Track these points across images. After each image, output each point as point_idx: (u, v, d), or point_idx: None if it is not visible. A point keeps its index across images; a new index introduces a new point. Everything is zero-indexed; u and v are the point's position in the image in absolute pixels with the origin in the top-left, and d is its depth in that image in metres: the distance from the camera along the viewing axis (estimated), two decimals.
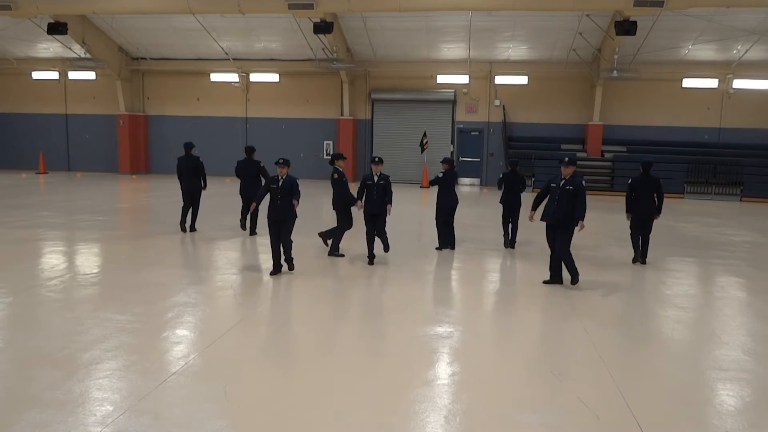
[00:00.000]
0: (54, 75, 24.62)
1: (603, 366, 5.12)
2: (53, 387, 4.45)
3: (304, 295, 7.28)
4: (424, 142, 21.64)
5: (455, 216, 10.27)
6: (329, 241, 9.63)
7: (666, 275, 8.78)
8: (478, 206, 16.92)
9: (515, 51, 21.31)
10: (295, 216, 8.03)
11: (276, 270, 8.01)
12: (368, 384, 4.74)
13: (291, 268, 8.15)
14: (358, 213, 9.27)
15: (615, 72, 19.53)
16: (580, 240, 8.88)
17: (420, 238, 11.59)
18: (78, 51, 22.07)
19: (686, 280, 8.70)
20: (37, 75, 24.75)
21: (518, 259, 9.81)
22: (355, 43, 21.37)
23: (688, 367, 5.28)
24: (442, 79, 22.42)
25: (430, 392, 4.57)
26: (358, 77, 22.88)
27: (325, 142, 23.49)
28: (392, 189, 8.88)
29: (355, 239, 10.31)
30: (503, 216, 10.49)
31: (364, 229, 9.03)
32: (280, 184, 7.89)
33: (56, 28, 18.97)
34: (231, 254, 9.91)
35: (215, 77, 23.62)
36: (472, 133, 22.85)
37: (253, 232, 11.15)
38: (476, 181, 22.98)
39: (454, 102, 22.63)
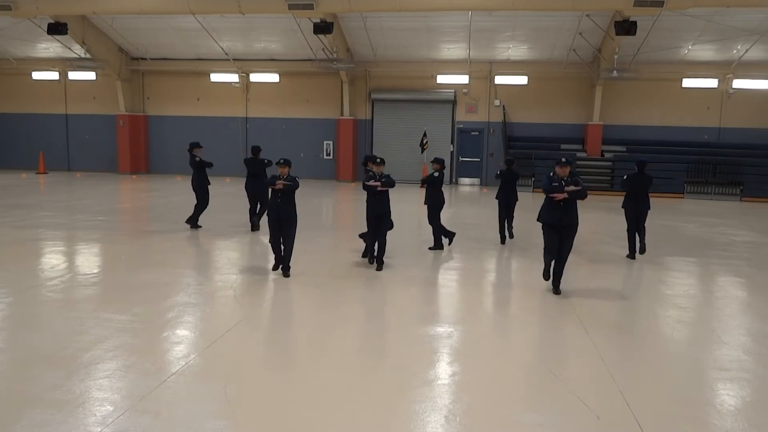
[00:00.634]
0: (54, 75, 24.61)
1: (603, 366, 5.12)
2: (54, 387, 4.45)
3: (304, 295, 7.28)
4: (425, 142, 21.63)
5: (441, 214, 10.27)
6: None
7: (666, 275, 8.78)
8: (478, 206, 16.92)
9: (515, 51, 21.31)
10: (296, 217, 7.98)
11: (278, 265, 8.03)
12: (368, 384, 4.74)
13: (286, 275, 7.97)
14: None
15: (615, 72, 19.53)
16: (579, 239, 8.87)
17: (420, 238, 11.59)
18: (78, 51, 22.07)
19: (686, 280, 8.70)
20: (37, 75, 24.73)
21: (517, 258, 9.80)
22: (355, 43, 21.36)
23: (689, 366, 5.28)
24: (442, 79, 22.42)
25: (431, 392, 4.57)
26: (358, 77, 22.88)
27: (325, 142, 23.48)
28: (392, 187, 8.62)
29: (359, 240, 10.29)
30: (500, 213, 11.00)
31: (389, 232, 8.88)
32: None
33: (56, 29, 18.96)
34: (232, 254, 9.90)
35: (215, 77, 23.61)
36: (472, 133, 22.85)
37: (256, 227, 11.39)
38: (476, 180, 22.97)
39: (454, 102, 22.63)
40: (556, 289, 7.37)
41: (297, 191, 7.99)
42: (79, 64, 22.35)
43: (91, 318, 6.08)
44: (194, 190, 11.72)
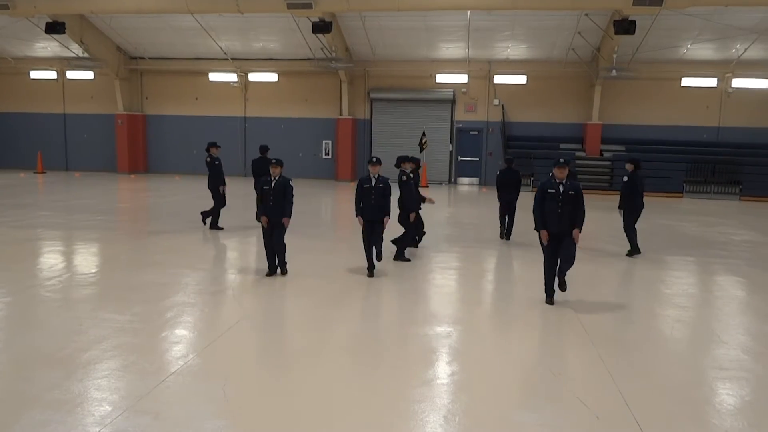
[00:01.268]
0: (52, 74, 24.56)
1: (602, 365, 5.13)
2: (52, 387, 4.45)
3: (302, 295, 7.27)
4: (423, 141, 21.63)
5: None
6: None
7: (665, 274, 8.78)
8: (477, 206, 16.93)
9: (514, 50, 21.31)
10: (285, 217, 7.82)
11: (272, 271, 7.98)
12: (367, 383, 4.74)
13: (284, 272, 8.02)
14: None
15: (614, 71, 19.52)
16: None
17: (417, 238, 11.58)
18: (76, 50, 22.03)
19: (686, 279, 8.70)
20: (35, 74, 24.69)
21: (516, 258, 9.81)
22: (353, 42, 21.35)
23: (688, 366, 5.29)
24: (441, 78, 22.41)
25: (430, 392, 4.57)
26: (357, 77, 22.87)
27: (323, 142, 23.47)
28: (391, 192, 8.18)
29: (358, 240, 10.28)
30: (500, 210, 11.10)
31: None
32: (272, 185, 7.83)
33: (54, 28, 18.92)
34: (230, 254, 9.90)
35: (214, 77, 23.59)
36: (471, 133, 22.85)
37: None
38: (475, 180, 22.97)
39: (453, 101, 22.63)
40: (564, 287, 6.92)
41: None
42: (77, 64, 22.31)
43: (90, 318, 6.07)
44: (210, 190, 11.53)
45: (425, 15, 18.85)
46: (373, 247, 8.13)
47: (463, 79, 22.29)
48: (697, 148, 20.87)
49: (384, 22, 19.58)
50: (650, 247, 10.51)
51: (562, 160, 6.85)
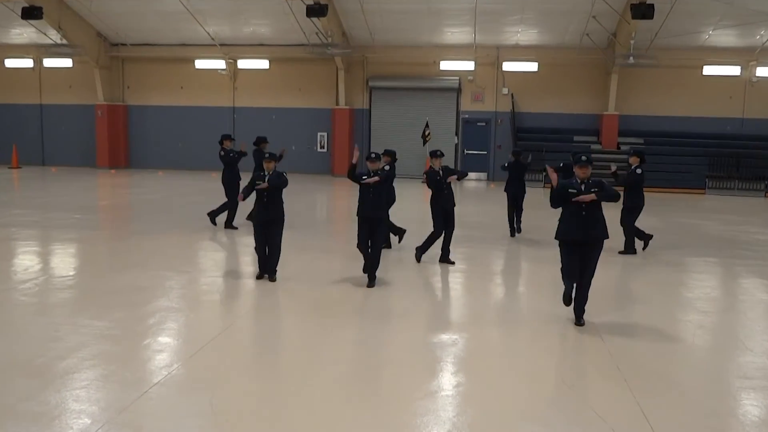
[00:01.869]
0: (28, 63, 24.51)
1: (618, 374, 5.11)
2: (27, 398, 4.44)
3: (296, 300, 7.26)
4: (427, 133, 21.60)
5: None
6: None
7: (687, 277, 8.78)
8: (484, 203, 16.92)
9: (524, 35, 21.27)
10: (284, 218, 7.84)
11: (262, 273, 7.93)
12: (366, 395, 4.73)
13: (272, 279, 7.85)
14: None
15: (631, 58, 19.47)
16: None
17: (421, 239, 11.59)
18: (54, 37, 21.98)
19: (708, 282, 8.70)
20: (10, 63, 24.64)
21: (527, 257, 9.80)
22: (351, 26, 21.32)
23: (711, 375, 5.28)
24: (445, 65, 22.38)
25: (434, 404, 4.56)
26: (355, 64, 22.84)
27: (318, 134, 23.45)
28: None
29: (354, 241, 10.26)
30: (508, 205, 11.46)
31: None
32: (266, 180, 7.82)
33: (31, 13, 18.89)
34: (218, 255, 9.90)
35: (200, 64, 23.55)
36: (478, 124, 22.82)
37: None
38: (483, 175, 22.93)
39: (458, 90, 22.60)
40: (579, 320, 6.36)
41: (285, 189, 7.89)
42: (55, 51, 22.25)
43: (67, 324, 6.06)
44: (224, 186, 11.51)
45: None
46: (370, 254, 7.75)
47: (469, 66, 22.25)
48: (719, 140, 20.84)
49: (384, 4, 19.54)
50: (670, 247, 10.50)
51: (584, 157, 6.28)
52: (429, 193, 9.21)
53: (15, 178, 20.44)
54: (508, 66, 22.16)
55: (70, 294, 7.25)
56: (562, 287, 6.50)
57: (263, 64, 23.33)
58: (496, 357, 5.63)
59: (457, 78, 22.49)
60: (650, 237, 10.14)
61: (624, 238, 9.94)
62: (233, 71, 23.65)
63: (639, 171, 9.85)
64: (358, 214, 7.84)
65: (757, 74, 20.97)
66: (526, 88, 22.28)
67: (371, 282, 7.75)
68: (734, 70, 21.06)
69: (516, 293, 7.97)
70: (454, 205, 9.11)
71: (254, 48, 23.01)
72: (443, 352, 5.63)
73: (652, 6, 16.57)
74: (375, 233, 7.76)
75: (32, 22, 20.61)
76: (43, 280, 7.80)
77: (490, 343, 6.01)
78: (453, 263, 9.02)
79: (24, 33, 23.08)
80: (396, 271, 8.61)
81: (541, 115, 22.24)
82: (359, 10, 19.90)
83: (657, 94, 21.55)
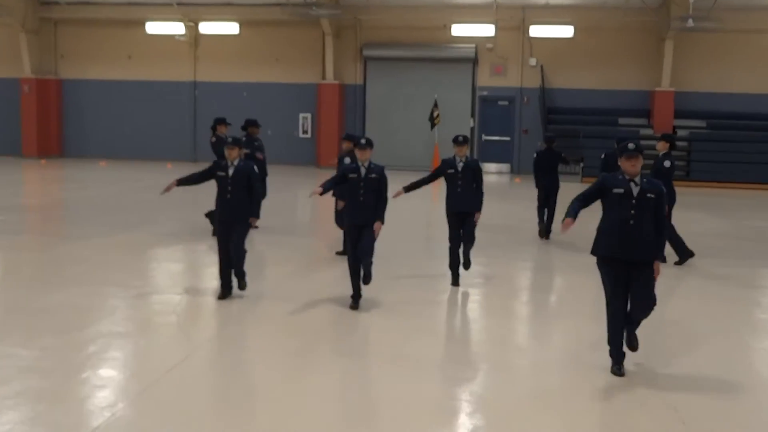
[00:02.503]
0: None
1: (675, 415, 5.09)
2: None
3: (271, 323, 7.24)
4: (435, 115, 21.65)
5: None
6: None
7: (761, 294, 8.79)
8: (507, 201, 16.89)
9: None
10: (251, 216, 7.85)
11: (225, 292, 7.82)
12: None
13: (242, 286, 7.82)
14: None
15: (690, 21, 19.48)
16: None
17: (428, 243, 11.59)
18: None
19: None
20: None
21: (559, 267, 9.79)
22: None
23: None
24: (458, 30, 22.41)
25: None
26: (346, 28, 22.87)
27: (301, 115, 23.48)
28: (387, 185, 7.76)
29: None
30: (538, 200, 11.77)
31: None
32: (230, 172, 7.76)
33: None
34: (175, 266, 9.88)
35: (152, 28, 23.58)
36: (499, 103, 22.89)
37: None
38: (505, 167, 22.98)
39: (474, 61, 22.65)
40: (620, 367, 5.92)
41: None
42: None
43: None
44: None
45: None
46: (360, 265, 7.57)
47: (488, 30, 22.28)
48: None
49: None
50: (737, 259, 10.49)
51: (632, 145, 5.83)
52: (437, 190, 9.17)
53: None
54: (536, 31, 22.18)
55: None
56: (603, 311, 6.15)
57: (231, 28, 23.34)
58: (520, 394, 5.60)
59: (473, 46, 22.52)
60: (691, 255, 9.86)
61: (672, 248, 9.85)
62: (194, 37, 23.65)
63: (667, 164, 9.53)
64: (346, 218, 7.79)
65: None
66: (558, 58, 22.31)
67: (355, 303, 7.63)
68: None
69: (543, 312, 7.95)
70: (471, 210, 8.54)
71: (220, 8, 23.03)
72: (458, 388, 5.62)
73: None
74: (362, 240, 7.50)
75: None
76: None
77: (513, 376, 5.98)
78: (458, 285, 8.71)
79: None
80: (393, 284, 8.59)
81: (578, 91, 22.28)
82: None
83: (722, 66, 21.58)
